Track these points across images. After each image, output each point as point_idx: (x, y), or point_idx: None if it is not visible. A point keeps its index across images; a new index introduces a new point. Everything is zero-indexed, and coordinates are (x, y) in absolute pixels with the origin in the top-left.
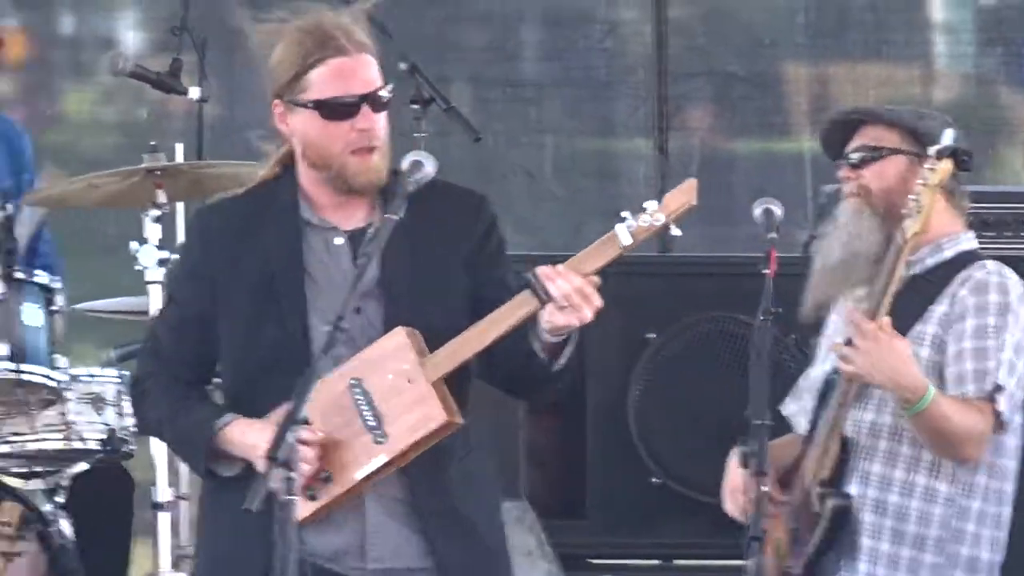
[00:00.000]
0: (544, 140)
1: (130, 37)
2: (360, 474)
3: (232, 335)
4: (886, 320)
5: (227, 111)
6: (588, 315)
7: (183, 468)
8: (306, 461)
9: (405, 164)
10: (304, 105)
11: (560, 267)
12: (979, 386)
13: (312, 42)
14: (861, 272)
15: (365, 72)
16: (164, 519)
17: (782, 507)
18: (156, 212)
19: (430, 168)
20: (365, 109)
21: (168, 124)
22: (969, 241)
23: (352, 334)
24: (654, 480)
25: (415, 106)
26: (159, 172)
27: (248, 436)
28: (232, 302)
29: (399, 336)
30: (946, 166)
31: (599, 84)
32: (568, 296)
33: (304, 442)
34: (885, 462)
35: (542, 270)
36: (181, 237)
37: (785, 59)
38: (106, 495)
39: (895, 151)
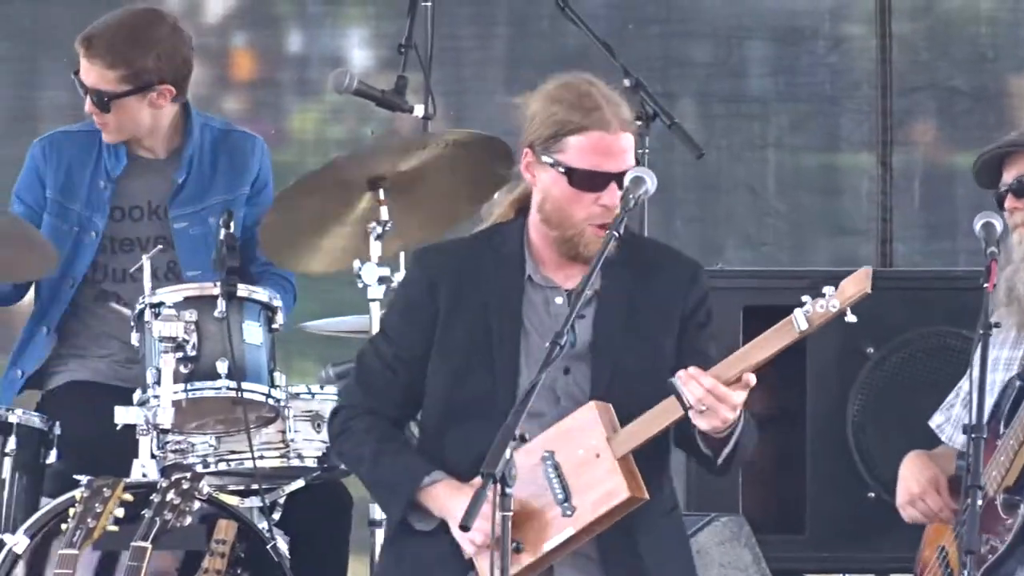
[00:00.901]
0: (767, 155)
1: (357, 55)
2: (549, 546)
3: (440, 377)
4: None
5: (452, 128)
6: (727, 415)
7: None
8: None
9: (627, 180)
10: (555, 165)
11: (693, 370)
12: None
13: (579, 108)
14: None
15: (622, 151)
16: (381, 536)
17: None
18: (379, 229)
19: (650, 184)
20: (613, 186)
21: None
22: None
23: (558, 393)
24: (871, 494)
25: (638, 122)
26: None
27: (453, 500)
28: (447, 345)
29: (590, 411)
30: None
31: (823, 99)
32: (701, 400)
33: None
34: None
35: (680, 374)
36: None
37: (1009, 72)
38: (323, 512)
39: None
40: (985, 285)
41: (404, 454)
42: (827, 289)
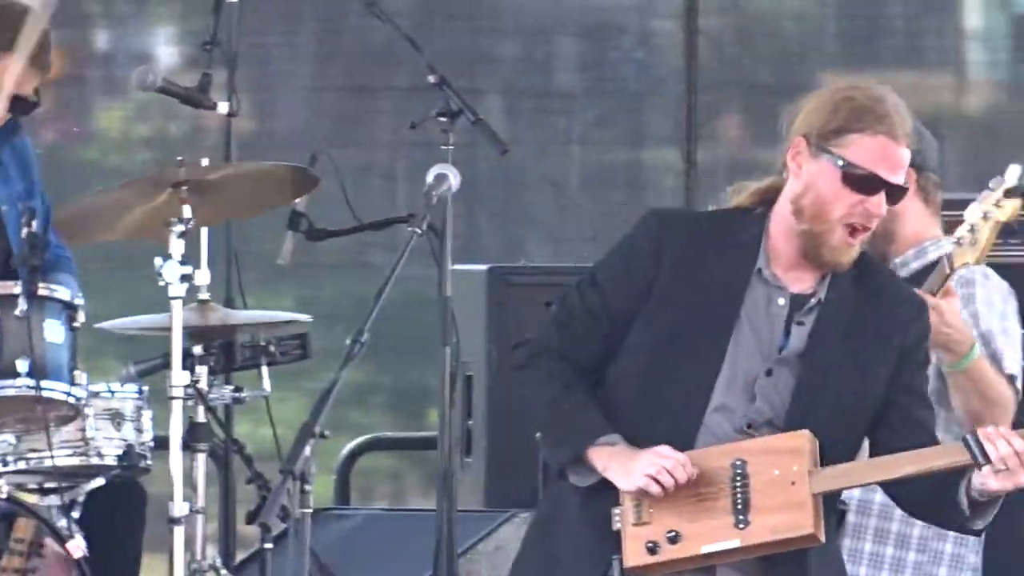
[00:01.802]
0: (572, 151)
1: (164, 53)
2: (707, 548)
3: (642, 344)
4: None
5: (258, 126)
6: (1007, 487)
7: (200, 482)
8: (670, 479)
9: (430, 177)
10: (832, 157)
11: (1003, 429)
12: (1000, 364)
13: (871, 110)
14: None
15: (901, 164)
16: (179, 533)
17: None
18: (180, 227)
19: (454, 180)
20: (882, 195)
21: (201, 140)
22: (950, 244)
23: (755, 392)
24: None
25: (443, 119)
26: (184, 186)
27: (619, 461)
28: (657, 316)
29: (801, 439)
30: (1016, 206)
31: (629, 95)
32: (1006, 459)
33: (671, 472)
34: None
35: (984, 431)
36: (204, 252)
37: (816, 68)
38: (119, 510)
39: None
40: None
41: (588, 408)
42: None
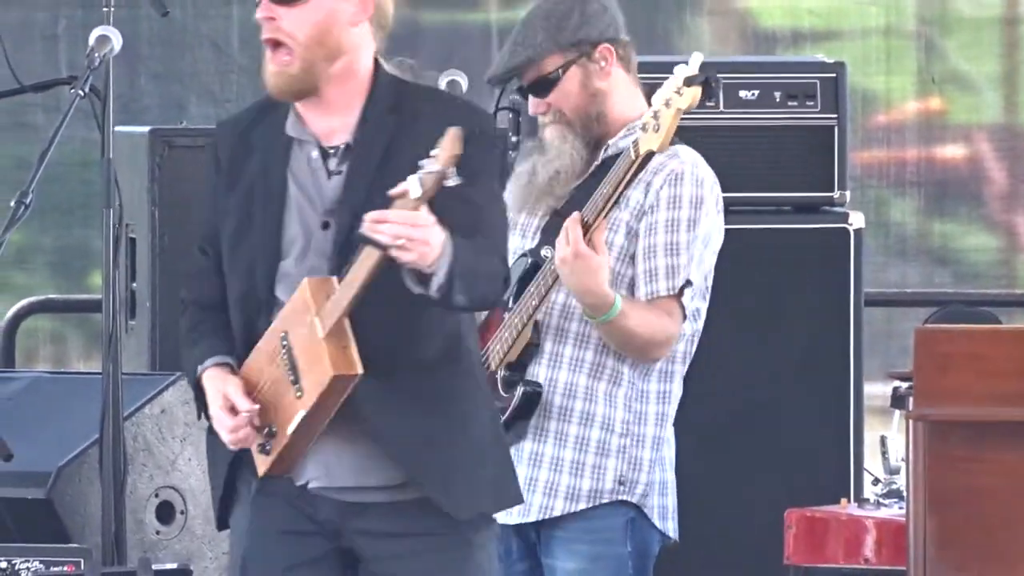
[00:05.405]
0: (231, 11)
1: None
2: (290, 429)
3: (223, 248)
4: (598, 234)
5: None
6: (430, 237)
7: None
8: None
9: (92, 39)
10: None
11: (376, 213)
12: (671, 283)
13: None
14: (563, 188)
15: None
16: None
17: None
18: None
19: (116, 42)
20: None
21: None
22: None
23: (310, 251)
24: None
25: None
26: None
27: (210, 390)
28: (223, 216)
29: (303, 289)
30: (695, 94)
31: None
32: (397, 235)
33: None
34: (576, 344)
35: (368, 221)
36: None
37: None
38: None
39: (566, 67)
40: None
41: (199, 342)
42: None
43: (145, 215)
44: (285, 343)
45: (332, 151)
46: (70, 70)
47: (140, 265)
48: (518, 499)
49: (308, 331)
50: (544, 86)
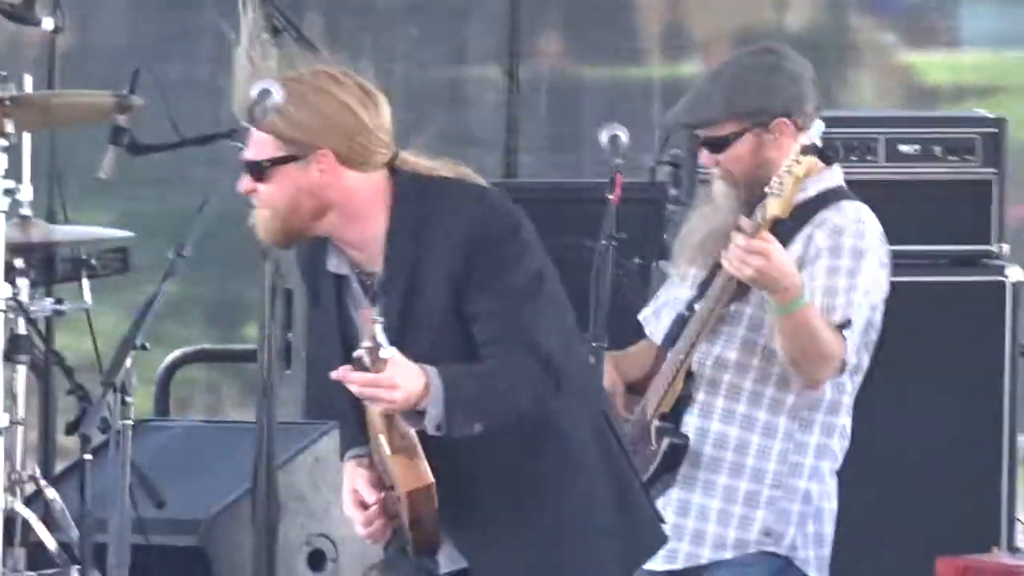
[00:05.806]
0: (394, 68)
1: None
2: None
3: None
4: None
5: (80, 41)
6: (394, 398)
7: (20, 394)
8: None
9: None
10: None
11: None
12: (828, 317)
13: None
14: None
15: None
16: None
17: (625, 425)
18: (3, 142)
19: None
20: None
21: (21, 55)
22: (833, 177)
23: None
24: None
25: (266, 36)
26: (7, 102)
27: (346, 480)
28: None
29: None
30: (811, 161)
31: (451, 11)
32: (360, 394)
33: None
34: (728, 396)
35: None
36: (27, 167)
37: None
38: None
39: (739, 134)
40: (610, 197)
41: (342, 428)
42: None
43: None
44: (377, 449)
45: (369, 281)
46: (230, 124)
47: (296, 316)
48: (655, 541)
49: (382, 447)
50: (717, 145)
